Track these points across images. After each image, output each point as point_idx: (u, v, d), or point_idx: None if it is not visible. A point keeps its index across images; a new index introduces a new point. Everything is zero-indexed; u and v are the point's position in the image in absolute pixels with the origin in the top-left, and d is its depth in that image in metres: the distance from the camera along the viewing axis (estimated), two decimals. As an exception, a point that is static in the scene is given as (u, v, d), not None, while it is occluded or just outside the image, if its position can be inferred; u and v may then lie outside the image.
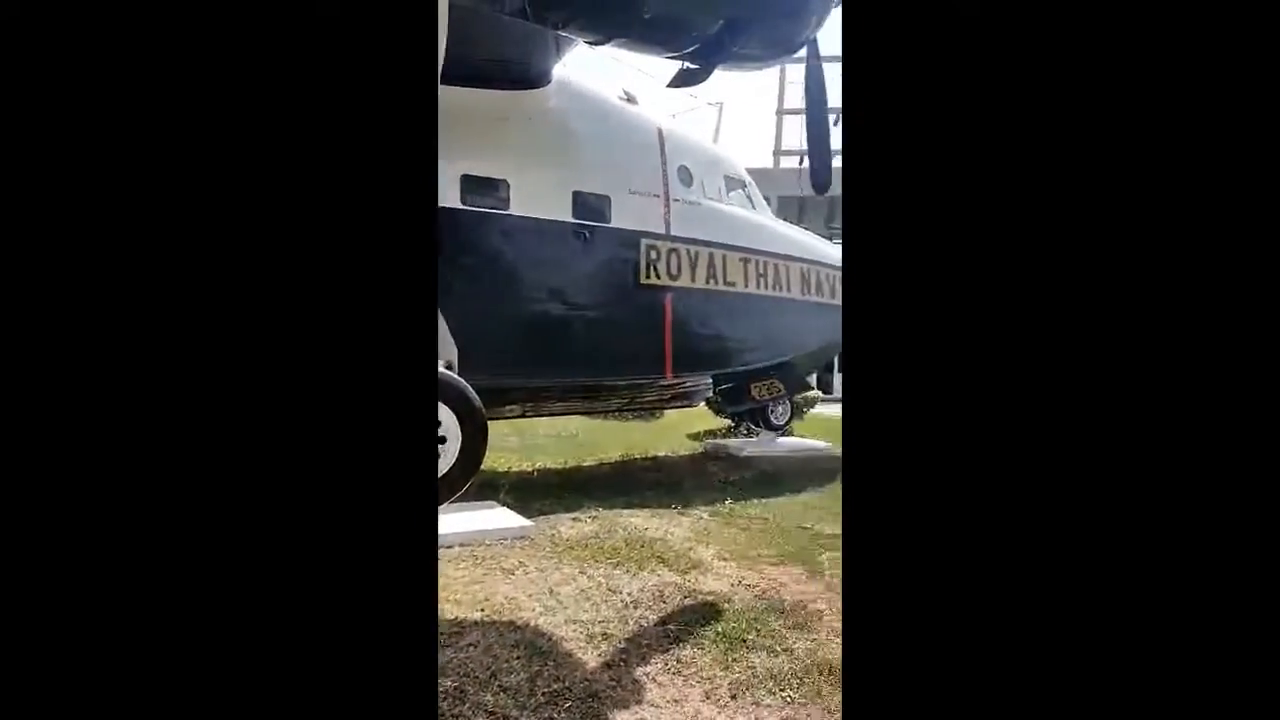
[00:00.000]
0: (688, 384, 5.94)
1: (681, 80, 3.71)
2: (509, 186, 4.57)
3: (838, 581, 3.08)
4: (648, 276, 5.23)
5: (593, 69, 5.17)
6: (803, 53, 3.92)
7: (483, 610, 2.66)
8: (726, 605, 2.75)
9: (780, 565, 3.31)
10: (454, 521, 3.68)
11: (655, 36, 3.37)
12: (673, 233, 5.37)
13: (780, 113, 20.17)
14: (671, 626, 2.54)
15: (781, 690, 2.07)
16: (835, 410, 11.32)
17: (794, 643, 2.40)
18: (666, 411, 8.26)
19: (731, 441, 7.27)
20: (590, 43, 3.56)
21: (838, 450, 7.01)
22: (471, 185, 4.41)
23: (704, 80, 3.64)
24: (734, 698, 2.03)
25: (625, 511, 4.30)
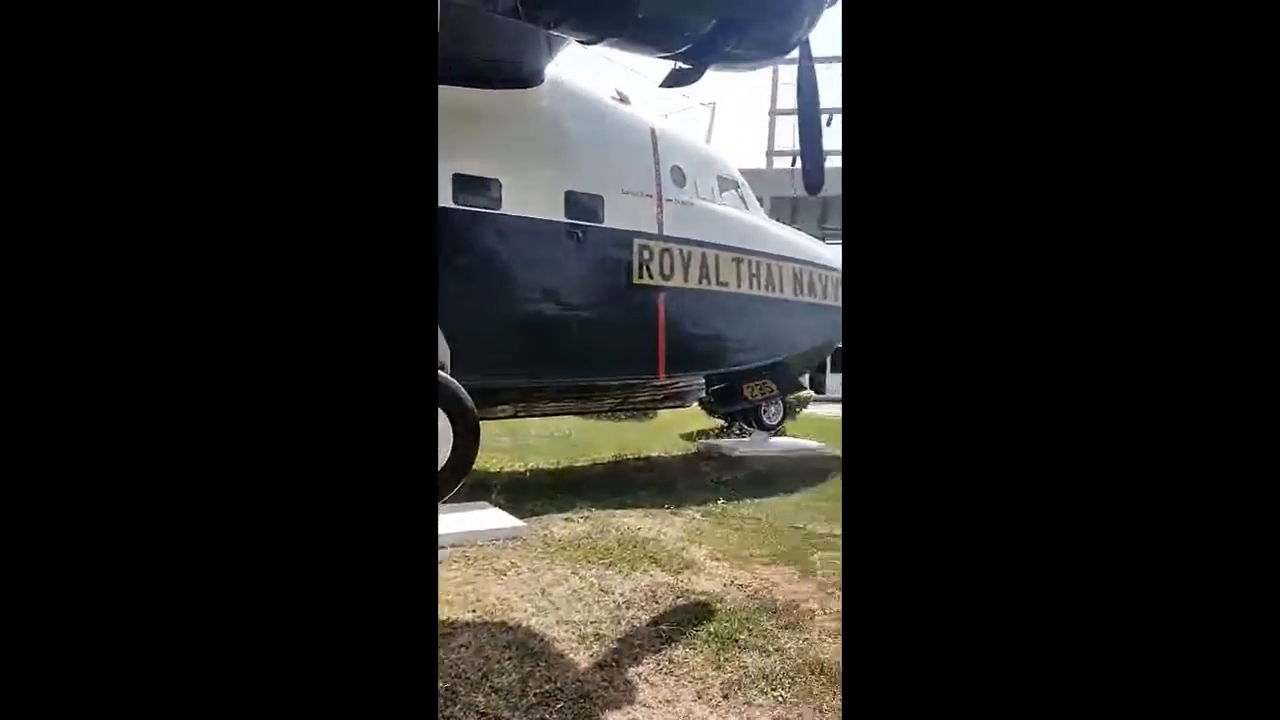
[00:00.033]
0: (680, 384, 5.95)
1: (674, 80, 3.71)
2: (501, 186, 4.56)
3: (830, 581, 3.08)
4: (640, 276, 5.23)
5: (586, 69, 5.18)
6: (795, 54, 3.93)
7: (474, 611, 2.65)
8: (719, 605, 2.75)
9: (773, 565, 3.31)
10: (446, 522, 3.67)
11: (648, 36, 3.37)
12: (666, 233, 5.38)
13: (773, 113, 20.22)
14: (664, 627, 2.54)
15: (773, 690, 2.07)
16: (828, 410, 11.36)
17: (786, 642, 2.40)
18: (660, 412, 8.27)
19: (724, 441, 7.28)
20: (583, 42, 3.56)
21: (830, 450, 7.04)
22: (463, 184, 4.40)
23: (696, 80, 3.64)
24: (726, 697, 2.03)
25: (618, 512, 4.30)
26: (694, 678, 2.15)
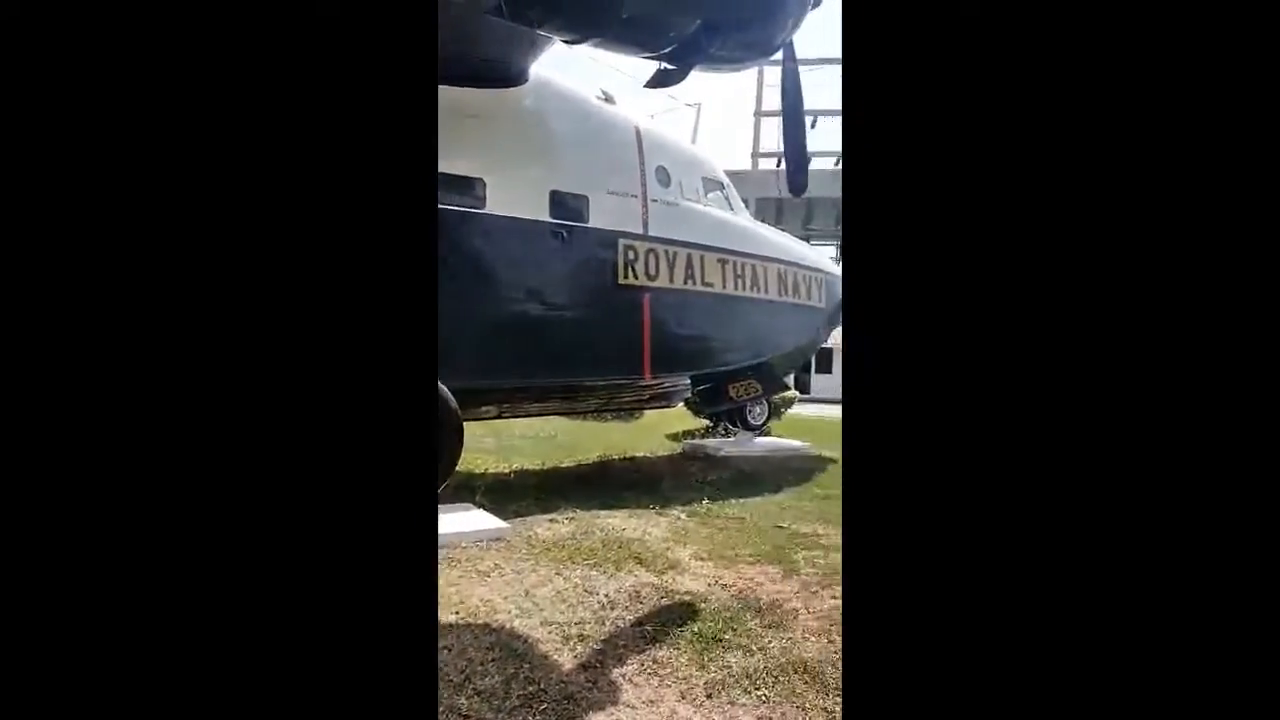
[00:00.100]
0: (666, 384, 5.95)
1: (659, 81, 3.71)
2: (485, 185, 4.53)
3: (813, 580, 3.10)
4: (626, 277, 5.22)
5: (570, 68, 5.17)
6: (780, 55, 3.95)
7: (457, 613, 2.63)
8: (703, 605, 2.75)
9: (757, 565, 3.32)
10: (429, 524, 3.64)
11: (632, 36, 3.37)
12: (651, 233, 5.38)
13: (758, 114, 20.31)
14: (648, 627, 2.54)
15: (757, 689, 2.07)
16: (813, 410, 11.42)
17: (770, 642, 2.40)
18: (646, 412, 8.27)
19: (710, 442, 7.30)
20: (567, 42, 3.55)
21: (815, 450, 7.09)
22: (447, 184, 4.37)
23: (681, 81, 3.65)
24: (709, 697, 2.03)
25: (603, 512, 4.29)
26: (678, 678, 2.15)
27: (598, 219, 5.07)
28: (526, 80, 4.68)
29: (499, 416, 5.57)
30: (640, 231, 5.32)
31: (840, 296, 7.31)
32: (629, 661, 2.25)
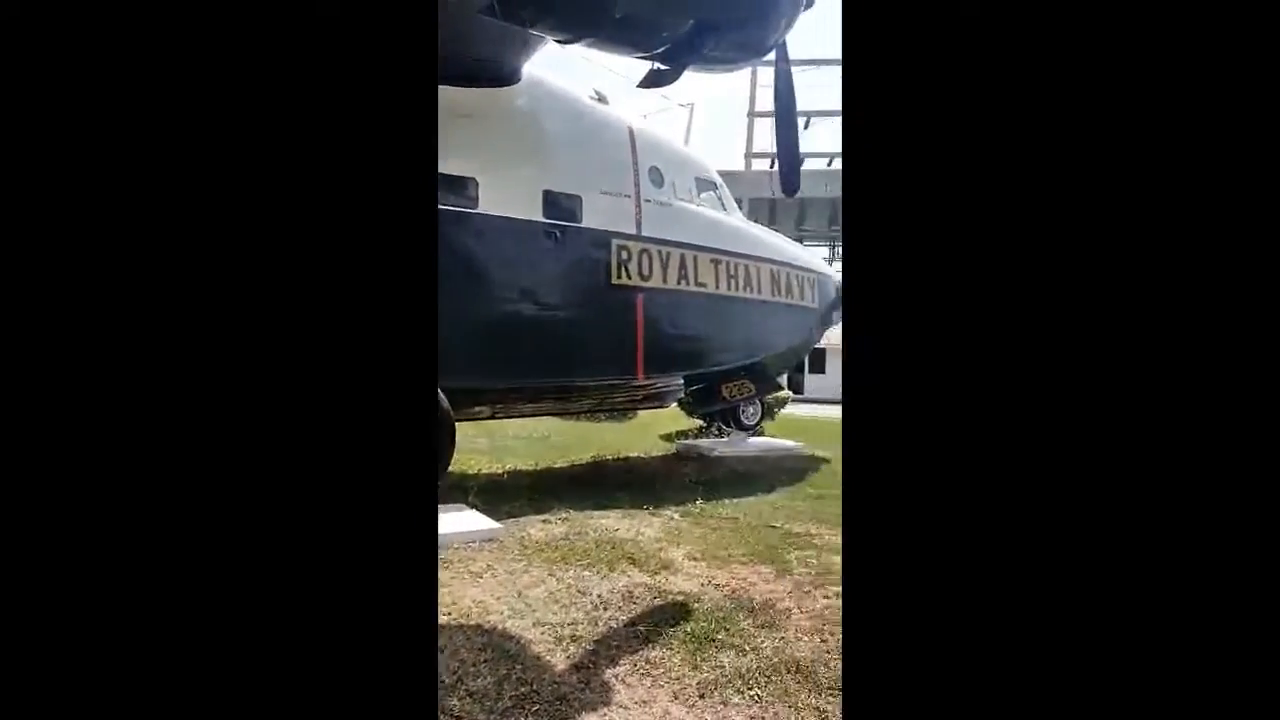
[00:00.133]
0: (659, 385, 5.95)
1: (651, 81, 3.71)
2: (478, 185, 4.52)
3: (806, 580, 3.10)
4: (619, 277, 5.22)
5: (563, 68, 5.16)
6: (773, 56, 3.96)
7: (449, 614, 2.62)
8: (696, 605, 2.75)
9: (750, 564, 3.32)
10: (421, 524, 3.63)
11: (625, 36, 3.36)
12: (644, 233, 5.38)
13: (751, 115, 20.35)
14: (641, 627, 2.53)
15: (749, 689, 2.08)
16: (806, 410, 11.44)
17: (762, 641, 2.41)
18: (639, 412, 8.27)
19: (703, 442, 7.30)
20: (560, 41, 3.54)
21: (808, 450, 7.10)
22: (440, 183, 4.36)
23: (674, 81, 3.64)
24: (702, 697, 2.03)
25: (596, 513, 4.29)
26: (671, 678, 2.14)
27: (591, 219, 5.07)
28: (519, 80, 4.68)
29: (492, 417, 5.56)
30: (633, 232, 5.32)
31: (833, 297, 7.33)
32: (622, 662, 2.25)
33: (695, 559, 3.40)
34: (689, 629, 2.50)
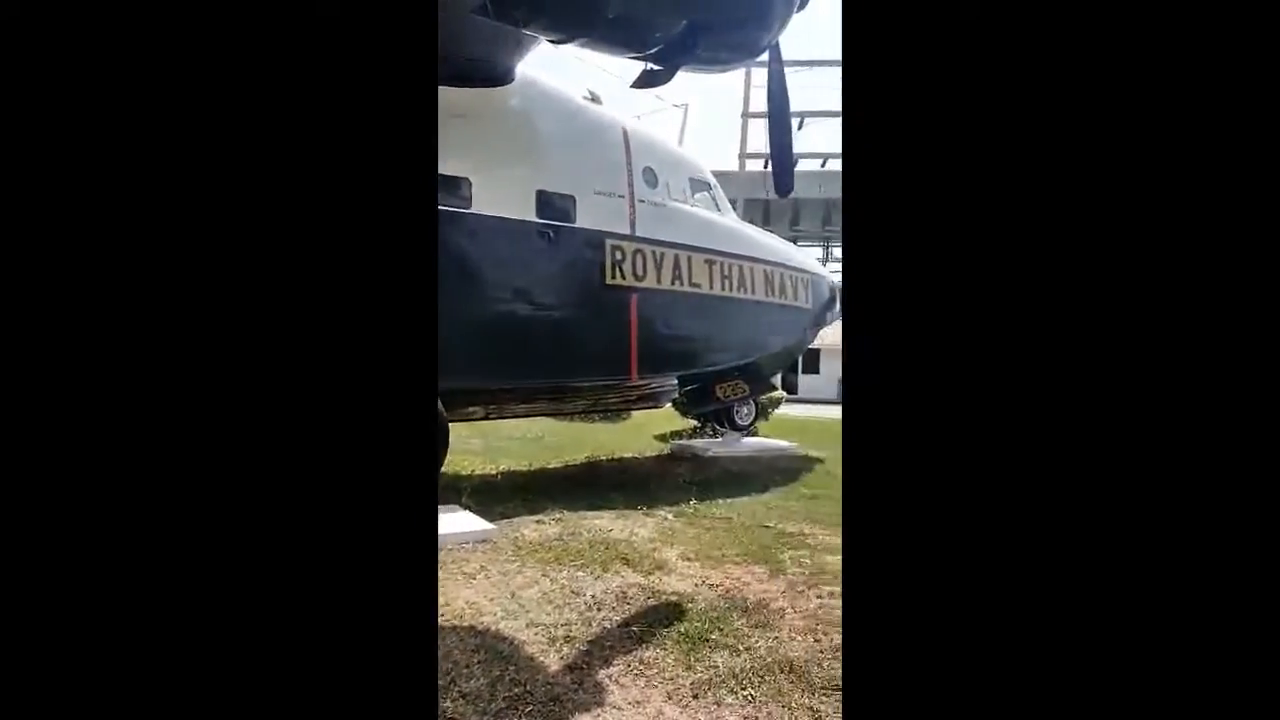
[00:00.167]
0: (654, 385, 5.95)
1: (645, 81, 3.71)
2: (471, 185, 4.51)
3: (799, 580, 3.11)
4: (613, 277, 5.22)
5: (557, 68, 5.16)
6: (766, 56, 3.96)
7: (442, 615, 2.61)
8: (690, 605, 2.75)
9: (743, 564, 3.33)
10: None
11: (619, 37, 3.36)
12: (638, 233, 5.38)
13: (745, 115, 20.38)
14: (634, 628, 2.53)
15: (743, 689, 2.08)
16: (800, 410, 11.47)
17: (756, 641, 2.41)
18: (634, 413, 8.27)
19: (697, 442, 7.31)
20: (553, 41, 3.54)
21: (802, 450, 7.11)
22: None
23: (667, 81, 3.65)
24: (696, 697, 2.03)
25: (590, 513, 4.28)
26: (664, 678, 2.14)
27: (585, 219, 5.06)
28: (513, 80, 4.67)
29: (486, 418, 5.55)
30: (627, 232, 5.32)
31: (826, 297, 7.35)
32: (615, 662, 2.24)
33: (689, 559, 3.40)
34: (683, 629, 2.50)
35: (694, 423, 8.02)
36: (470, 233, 4.50)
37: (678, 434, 8.01)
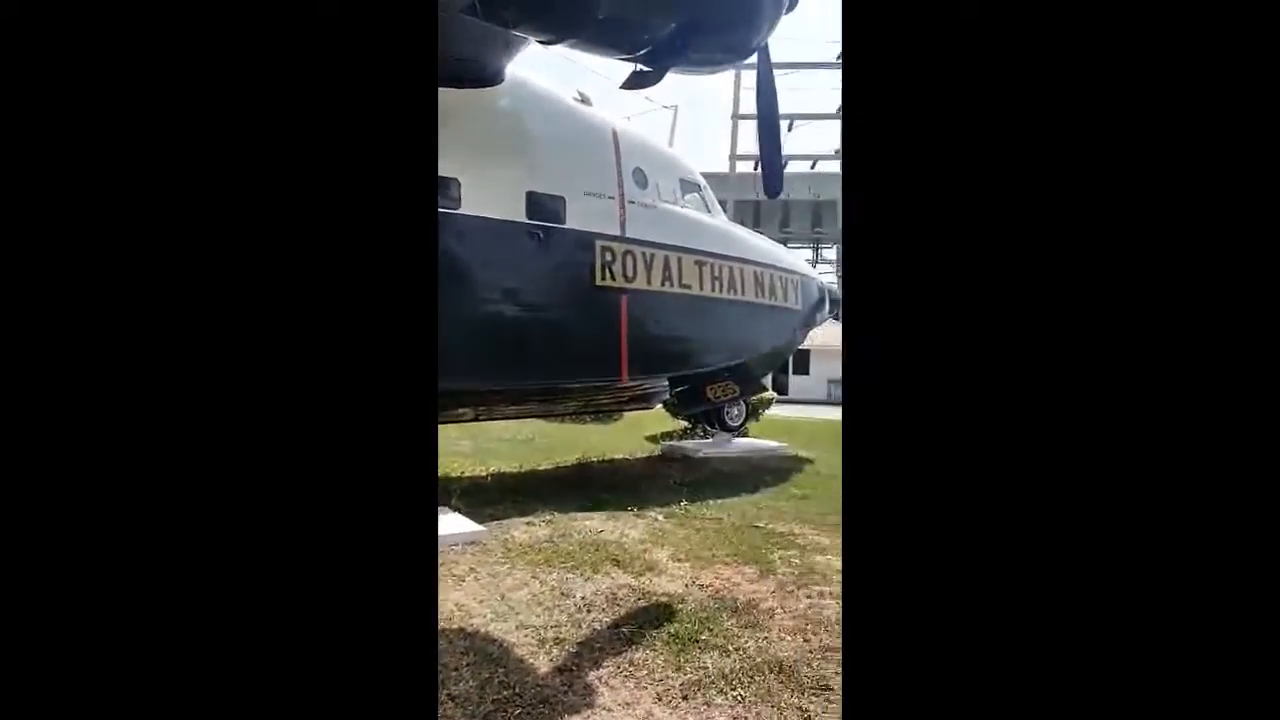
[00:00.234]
0: (644, 386, 5.94)
1: (634, 82, 3.71)
2: (460, 186, 4.49)
3: (789, 580, 3.12)
4: (603, 278, 5.21)
5: (547, 69, 5.14)
6: (755, 58, 3.97)
7: (431, 618, 2.60)
8: (680, 606, 2.75)
9: (733, 565, 3.33)
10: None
11: (608, 38, 3.36)
12: (628, 235, 5.37)
13: (735, 117, 20.42)
14: (625, 629, 2.53)
15: (733, 690, 2.08)
16: (790, 411, 11.50)
17: (746, 642, 2.41)
18: (625, 414, 8.26)
19: (688, 443, 7.31)
20: (542, 42, 3.53)
21: (792, 451, 7.13)
22: None
23: (657, 82, 3.65)
24: (685, 698, 2.03)
25: (580, 515, 4.27)
26: (654, 679, 2.14)
27: (574, 220, 5.05)
28: (502, 80, 4.65)
29: (476, 419, 5.52)
30: (617, 233, 5.31)
31: (815, 298, 7.38)
32: (605, 664, 2.24)
33: (679, 560, 3.40)
34: (672, 630, 2.50)
35: (685, 424, 8.02)
36: (459, 234, 4.48)
37: (668, 435, 8.01)
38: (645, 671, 2.19)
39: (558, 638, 2.44)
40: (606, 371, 5.38)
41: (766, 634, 2.49)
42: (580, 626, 2.55)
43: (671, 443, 7.46)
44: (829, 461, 6.60)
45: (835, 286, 8.39)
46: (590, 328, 5.19)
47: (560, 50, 3.47)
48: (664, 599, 2.84)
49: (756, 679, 2.14)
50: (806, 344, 9.18)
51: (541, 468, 6.26)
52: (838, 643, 2.39)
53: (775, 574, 3.20)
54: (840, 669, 2.14)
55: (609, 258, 5.24)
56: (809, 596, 2.90)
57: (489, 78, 4.56)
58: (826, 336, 11.94)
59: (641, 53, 3.43)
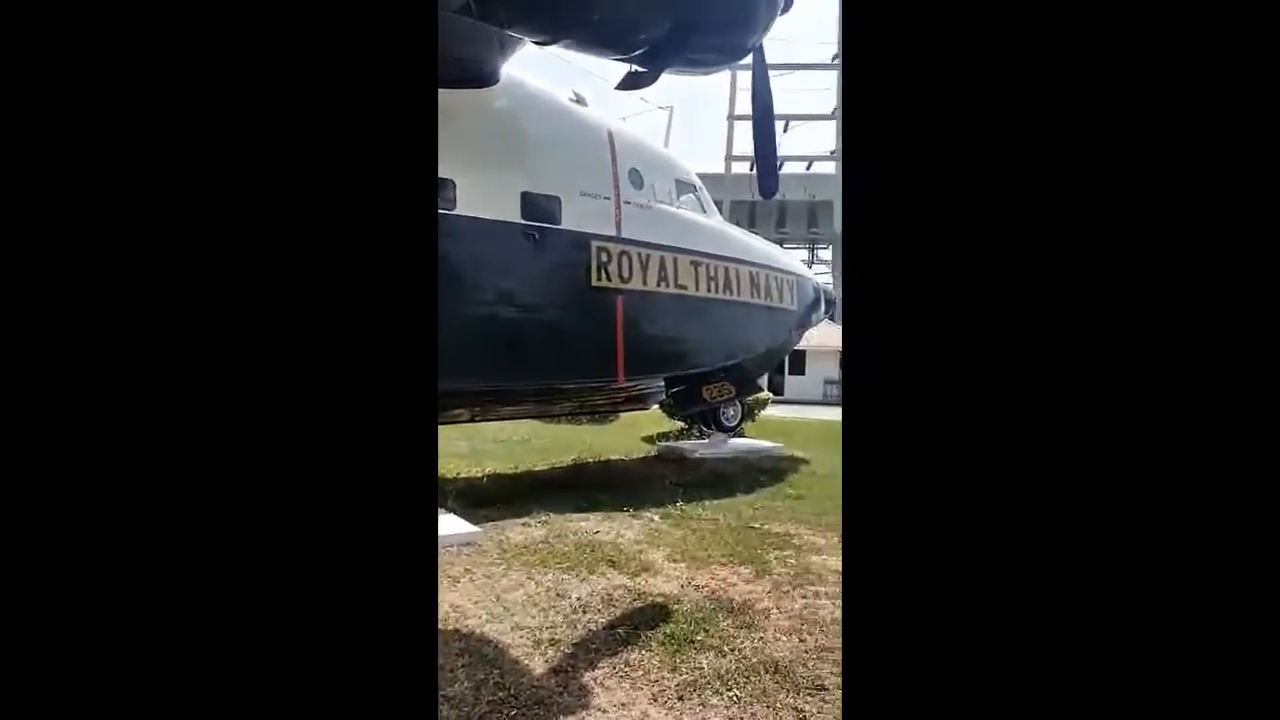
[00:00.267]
0: (640, 387, 5.95)
1: (630, 83, 3.71)
2: (455, 186, 4.49)
3: (784, 580, 3.12)
4: (599, 279, 5.21)
5: (542, 70, 5.13)
6: (750, 59, 3.98)
7: (427, 619, 2.59)
8: (675, 607, 2.75)
9: (729, 565, 3.33)
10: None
11: (603, 38, 3.36)
12: (624, 235, 5.37)
13: (731, 118, 20.45)
14: (620, 630, 2.53)
15: (728, 690, 2.08)
16: (785, 412, 11.52)
17: (741, 642, 2.41)
18: (621, 415, 8.26)
19: (684, 444, 7.32)
20: (538, 43, 3.52)
21: (787, 451, 7.15)
22: None
23: (652, 83, 3.65)
24: (681, 699, 2.03)
25: (575, 516, 4.27)
26: (649, 680, 2.14)
27: (570, 221, 5.05)
28: (498, 81, 4.65)
29: (471, 420, 5.52)
30: (613, 234, 5.31)
31: (811, 299, 7.39)
32: (601, 665, 2.24)
33: (675, 560, 3.40)
34: (668, 631, 2.50)
35: (681, 424, 8.02)
36: (455, 235, 4.47)
37: (665, 436, 8.01)
38: (641, 672, 2.19)
39: (553, 639, 2.43)
40: (602, 372, 5.38)
41: (762, 634, 2.49)
42: (576, 627, 2.54)
43: (667, 443, 7.47)
44: (825, 462, 6.62)
45: (831, 287, 8.41)
46: (586, 328, 5.18)
47: (556, 51, 3.47)
48: (660, 600, 2.84)
49: (752, 679, 2.14)
50: (802, 344, 9.19)
51: (537, 468, 6.25)
52: (833, 643, 2.39)
53: (771, 574, 3.20)
54: (838, 669, 2.14)
55: (604, 258, 5.23)
56: (804, 597, 2.90)
57: (484, 78, 4.56)
58: (822, 337, 11.97)
59: (637, 53, 3.44)
